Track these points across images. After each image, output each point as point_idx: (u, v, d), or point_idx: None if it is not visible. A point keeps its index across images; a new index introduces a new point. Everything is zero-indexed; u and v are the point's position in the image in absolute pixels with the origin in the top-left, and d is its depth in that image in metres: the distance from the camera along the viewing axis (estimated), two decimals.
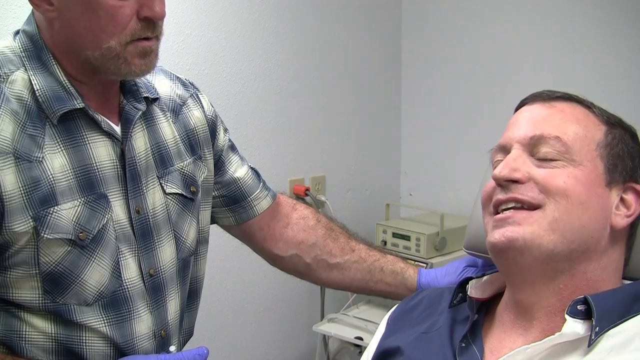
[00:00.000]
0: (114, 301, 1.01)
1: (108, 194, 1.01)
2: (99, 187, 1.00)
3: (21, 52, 0.98)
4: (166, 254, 1.09)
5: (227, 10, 1.90)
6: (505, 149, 0.96)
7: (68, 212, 0.95)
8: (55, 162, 0.95)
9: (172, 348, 1.07)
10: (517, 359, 0.86)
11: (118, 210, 1.02)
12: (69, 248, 0.96)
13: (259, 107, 2.02)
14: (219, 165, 1.25)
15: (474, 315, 0.98)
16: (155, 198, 1.08)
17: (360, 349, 1.93)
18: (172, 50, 1.77)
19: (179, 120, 1.16)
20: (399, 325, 1.08)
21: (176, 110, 1.16)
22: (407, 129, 2.53)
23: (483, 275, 1.05)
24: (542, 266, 0.89)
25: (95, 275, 0.98)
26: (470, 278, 1.04)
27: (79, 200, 0.97)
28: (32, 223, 0.92)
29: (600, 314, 0.84)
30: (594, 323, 0.83)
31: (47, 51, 0.97)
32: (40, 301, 0.96)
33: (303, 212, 1.35)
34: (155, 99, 1.12)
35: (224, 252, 1.90)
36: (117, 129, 1.04)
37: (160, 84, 1.16)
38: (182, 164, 1.14)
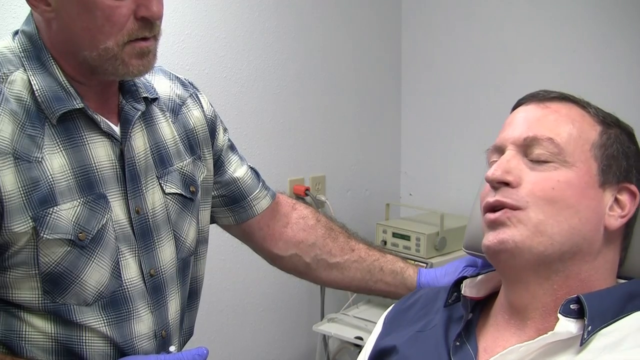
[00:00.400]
0: (114, 301, 1.01)
1: (107, 194, 1.01)
2: (98, 187, 1.00)
3: (20, 52, 0.98)
4: (166, 254, 1.09)
5: (227, 10, 1.90)
6: (500, 150, 0.97)
7: (67, 212, 0.95)
8: (55, 162, 0.95)
9: (172, 348, 1.07)
10: (510, 357, 0.86)
11: (117, 210, 1.02)
12: (69, 248, 0.96)
13: (259, 107, 2.02)
14: (219, 165, 1.25)
15: (468, 315, 0.98)
16: (154, 198, 1.08)
17: (360, 349, 1.93)
18: (172, 50, 1.77)
19: (178, 120, 1.16)
20: (396, 325, 1.08)
21: (175, 110, 1.16)
22: (407, 129, 2.53)
23: (478, 274, 1.05)
24: (534, 267, 0.90)
25: (94, 276, 0.98)
26: (465, 277, 1.04)
27: (78, 200, 0.97)
28: (31, 223, 0.92)
29: (593, 313, 0.84)
30: (586, 322, 0.83)
31: (46, 51, 0.97)
32: (40, 301, 0.96)
33: (303, 212, 1.35)
34: (155, 99, 1.12)
35: (224, 252, 1.90)
36: (117, 129, 1.04)
37: (159, 84, 1.16)
38: (181, 164, 1.14)
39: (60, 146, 0.96)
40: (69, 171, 0.96)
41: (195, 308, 1.25)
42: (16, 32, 1.01)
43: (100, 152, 1.01)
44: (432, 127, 2.45)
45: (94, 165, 0.99)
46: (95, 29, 0.93)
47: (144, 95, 1.09)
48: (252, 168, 1.31)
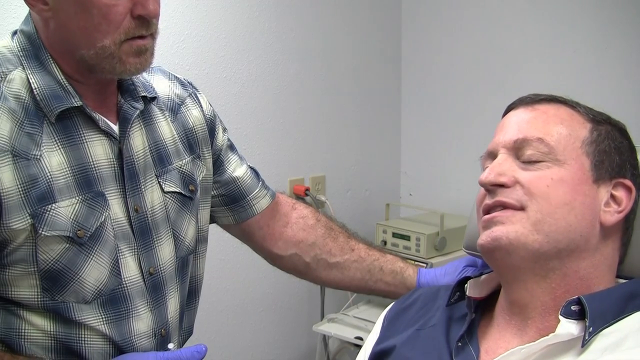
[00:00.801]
0: (113, 299, 1.02)
1: (106, 193, 1.01)
2: (97, 185, 1.00)
3: (19, 51, 0.98)
4: (165, 252, 1.09)
5: (227, 10, 1.90)
6: (492, 155, 0.98)
7: (66, 209, 0.96)
8: (53, 160, 0.95)
9: (171, 345, 1.07)
10: (511, 359, 0.86)
11: (116, 208, 1.02)
12: (67, 245, 0.96)
13: (259, 107, 2.02)
14: (218, 164, 1.25)
15: (472, 315, 0.98)
16: (153, 197, 1.08)
17: (360, 349, 1.93)
18: (172, 50, 1.77)
19: (177, 120, 1.16)
20: (396, 326, 1.08)
21: (174, 110, 1.16)
22: (407, 129, 2.53)
23: (481, 274, 1.05)
24: (531, 265, 0.90)
25: (93, 273, 0.99)
26: (469, 278, 1.04)
27: (77, 198, 0.97)
28: (29, 220, 0.93)
29: (594, 315, 0.84)
30: (587, 324, 0.83)
31: (45, 50, 0.98)
32: (39, 299, 0.97)
33: (302, 212, 1.35)
34: (154, 98, 1.12)
35: (223, 252, 1.90)
36: (115, 127, 1.04)
37: (158, 83, 1.16)
38: (180, 163, 1.14)
39: (59, 144, 0.97)
40: (67, 169, 0.97)
41: (195, 307, 1.25)
42: (15, 32, 1.02)
43: (99, 151, 1.01)
44: (432, 127, 2.45)
45: (92, 163, 1.00)
46: (92, 27, 0.93)
47: (143, 94, 1.09)
48: (251, 168, 1.31)
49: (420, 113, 2.48)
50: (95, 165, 1.00)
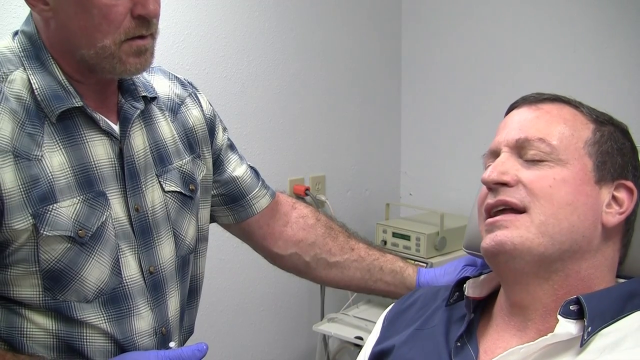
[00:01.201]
0: (114, 298, 1.02)
1: (107, 192, 1.01)
2: (98, 185, 1.00)
3: (20, 52, 0.98)
4: (166, 251, 1.10)
5: (227, 10, 1.91)
6: (495, 154, 0.97)
7: (67, 209, 0.96)
8: (54, 160, 0.96)
9: (172, 344, 1.08)
10: (510, 359, 0.86)
11: (117, 208, 1.02)
12: (69, 245, 0.96)
13: (259, 107, 2.02)
14: (218, 164, 1.25)
15: (470, 315, 0.98)
16: (154, 196, 1.09)
17: (360, 349, 1.93)
18: (172, 50, 1.78)
19: (177, 119, 1.16)
20: (396, 327, 1.08)
21: (174, 110, 1.17)
22: (407, 129, 2.53)
23: (480, 274, 1.05)
24: (534, 269, 0.90)
25: (94, 272, 0.99)
26: (468, 277, 1.04)
27: (78, 198, 0.97)
28: (31, 220, 0.93)
29: (593, 314, 0.84)
30: (586, 323, 0.83)
31: (46, 51, 0.98)
32: (41, 298, 0.97)
33: (302, 211, 1.35)
34: (154, 98, 1.12)
35: (223, 251, 1.91)
36: (116, 127, 1.04)
37: (158, 83, 1.16)
38: (180, 162, 1.14)
39: (60, 144, 0.97)
40: (68, 169, 0.97)
41: (196, 306, 1.25)
42: (16, 32, 1.02)
43: (100, 151, 1.01)
44: (432, 127, 2.45)
45: (93, 163, 1.00)
46: (92, 27, 0.93)
47: (143, 94, 1.09)
48: (251, 167, 1.31)
49: (420, 113, 2.48)
50: (96, 165, 1.00)
